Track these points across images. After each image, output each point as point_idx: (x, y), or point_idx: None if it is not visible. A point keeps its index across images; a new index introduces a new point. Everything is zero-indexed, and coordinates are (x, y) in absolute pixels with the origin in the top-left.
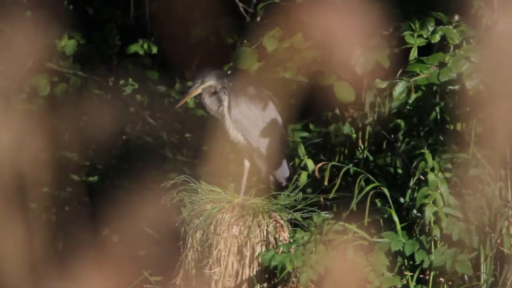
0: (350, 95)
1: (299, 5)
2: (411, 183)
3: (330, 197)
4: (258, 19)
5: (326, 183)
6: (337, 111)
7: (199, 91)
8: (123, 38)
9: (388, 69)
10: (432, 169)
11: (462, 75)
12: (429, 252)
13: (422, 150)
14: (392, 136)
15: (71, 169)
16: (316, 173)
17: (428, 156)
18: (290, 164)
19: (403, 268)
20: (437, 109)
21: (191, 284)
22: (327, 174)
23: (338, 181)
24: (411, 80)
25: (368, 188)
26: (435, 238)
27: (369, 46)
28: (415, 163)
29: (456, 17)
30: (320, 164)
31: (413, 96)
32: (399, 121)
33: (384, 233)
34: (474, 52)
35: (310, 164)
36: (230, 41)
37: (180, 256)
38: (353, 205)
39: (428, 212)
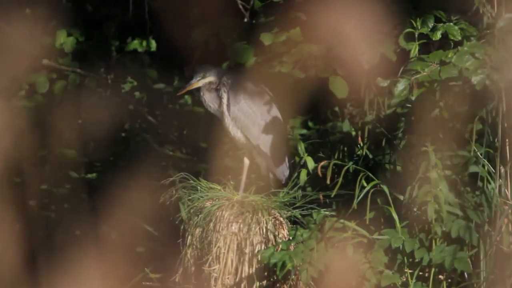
0: (344, 91)
1: (297, 3)
2: (415, 181)
3: (332, 195)
4: (257, 17)
5: (328, 181)
6: (336, 108)
7: (200, 84)
8: (122, 36)
9: (388, 67)
10: (434, 167)
11: (466, 71)
12: (429, 249)
13: (424, 148)
14: (392, 133)
15: (70, 166)
16: (318, 171)
17: (431, 154)
18: (290, 161)
19: (402, 265)
20: (440, 105)
21: (190, 282)
22: (329, 173)
23: (339, 180)
24: (413, 78)
25: (368, 186)
26: (435, 235)
27: (374, 40)
28: (419, 161)
29: (456, 15)
30: (322, 163)
31: (416, 92)
32: (398, 118)
33: (384, 231)
34: (478, 48)
35: (309, 161)
36: (229, 42)
37: (180, 253)
38: (355, 204)
39: (430, 210)
